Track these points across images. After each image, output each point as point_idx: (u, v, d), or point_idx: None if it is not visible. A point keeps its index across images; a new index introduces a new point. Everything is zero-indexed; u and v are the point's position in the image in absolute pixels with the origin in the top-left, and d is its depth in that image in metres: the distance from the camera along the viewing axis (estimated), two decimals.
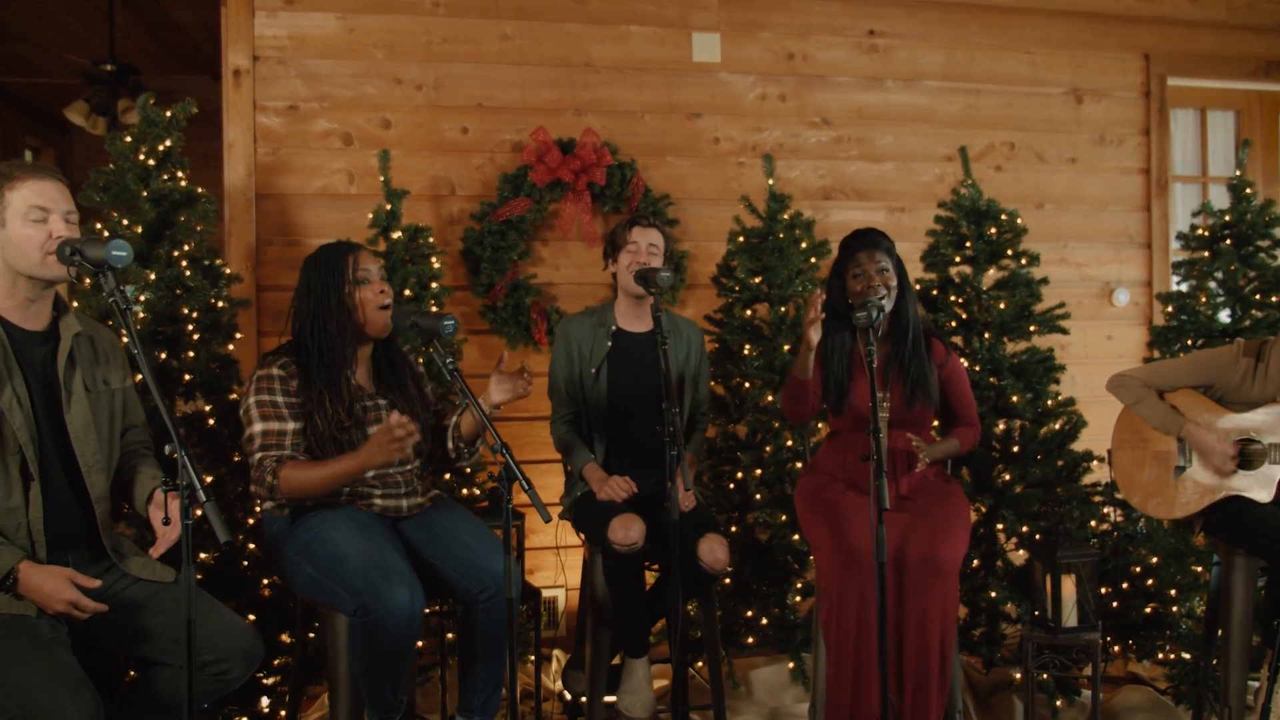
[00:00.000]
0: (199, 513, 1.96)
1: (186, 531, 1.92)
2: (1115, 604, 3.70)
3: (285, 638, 3.26)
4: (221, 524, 1.89)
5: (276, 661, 3.22)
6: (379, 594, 2.45)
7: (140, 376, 3.04)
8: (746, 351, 3.86)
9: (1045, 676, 3.45)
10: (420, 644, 3.59)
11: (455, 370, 2.47)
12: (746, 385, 3.85)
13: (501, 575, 2.61)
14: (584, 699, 3.20)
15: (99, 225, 3.17)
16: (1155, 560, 3.70)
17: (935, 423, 3.35)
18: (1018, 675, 3.55)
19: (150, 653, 2.33)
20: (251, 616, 3.11)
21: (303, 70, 4.03)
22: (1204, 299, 3.82)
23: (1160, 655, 3.70)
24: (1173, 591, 3.66)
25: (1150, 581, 3.70)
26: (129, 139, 3.23)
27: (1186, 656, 3.58)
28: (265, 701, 3.23)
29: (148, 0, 6.18)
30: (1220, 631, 3.15)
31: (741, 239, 3.97)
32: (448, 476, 3.55)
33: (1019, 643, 3.50)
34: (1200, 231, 3.89)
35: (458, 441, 2.91)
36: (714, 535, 3.04)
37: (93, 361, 2.41)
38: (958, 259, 3.87)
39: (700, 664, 3.76)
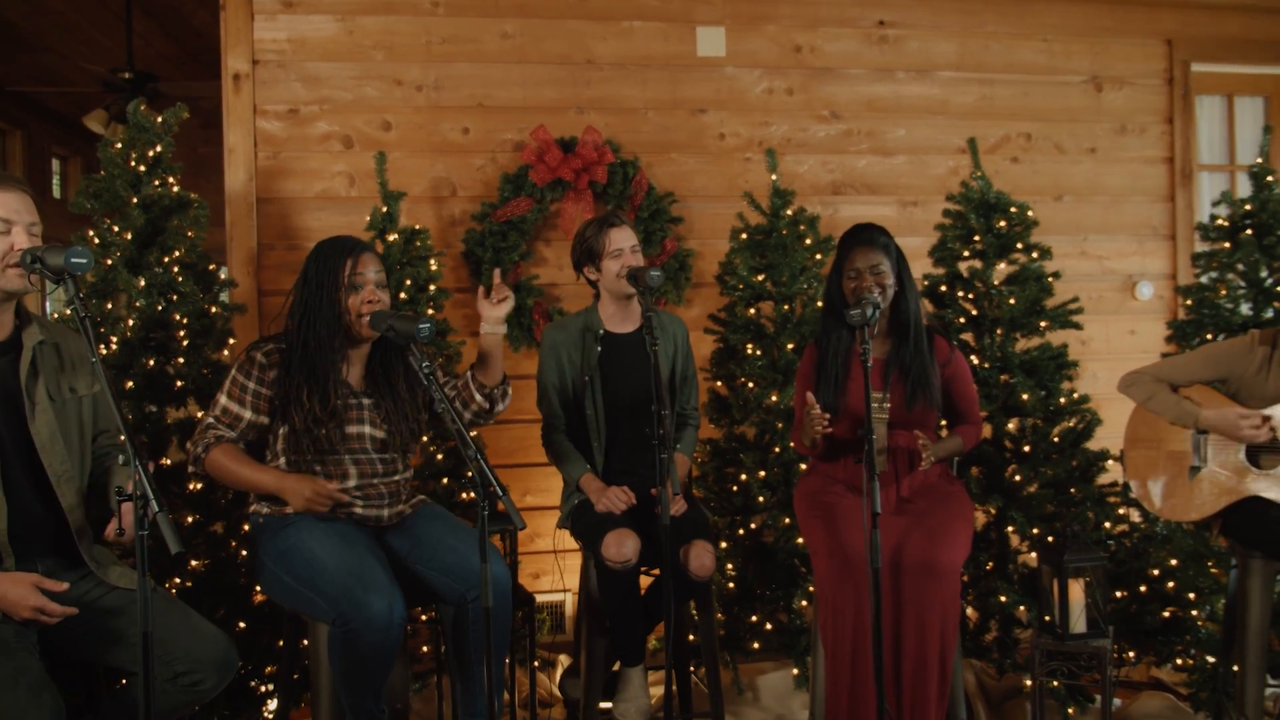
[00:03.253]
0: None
1: (141, 542, 1.89)
2: (1133, 607, 3.58)
3: (281, 644, 3.24)
4: (173, 535, 1.85)
5: (269, 669, 3.21)
6: (357, 603, 2.41)
7: (131, 383, 3.05)
8: (750, 351, 3.79)
9: (1056, 684, 3.34)
10: (425, 649, 3.58)
11: (431, 375, 2.44)
12: (750, 385, 3.78)
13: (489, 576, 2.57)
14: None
15: (90, 232, 3.18)
16: (1174, 563, 3.57)
17: (944, 422, 3.26)
18: (1029, 682, 3.44)
19: (124, 662, 2.31)
20: (243, 624, 3.10)
21: (302, 73, 4.02)
22: (1224, 292, 3.68)
23: (1179, 660, 3.57)
24: (1192, 595, 3.53)
25: (1169, 585, 3.57)
26: (119, 145, 3.23)
27: (1211, 660, 3.45)
28: (269, 708, 3.21)
29: (166, 6, 6.24)
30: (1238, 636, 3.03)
31: (744, 236, 3.89)
32: (445, 481, 3.52)
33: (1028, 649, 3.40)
34: (1220, 222, 3.74)
35: (482, 390, 2.88)
36: (701, 542, 2.98)
37: (58, 369, 2.38)
38: (966, 253, 3.76)
39: (703, 669, 3.69)
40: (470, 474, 3.51)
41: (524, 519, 2.35)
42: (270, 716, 3.24)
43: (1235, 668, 3.07)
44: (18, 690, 2.01)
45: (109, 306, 3.19)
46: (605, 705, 3.11)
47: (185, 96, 3.95)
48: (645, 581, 3.20)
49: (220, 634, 2.37)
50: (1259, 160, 3.70)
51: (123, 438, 1.94)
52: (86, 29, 6.45)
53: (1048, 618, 3.12)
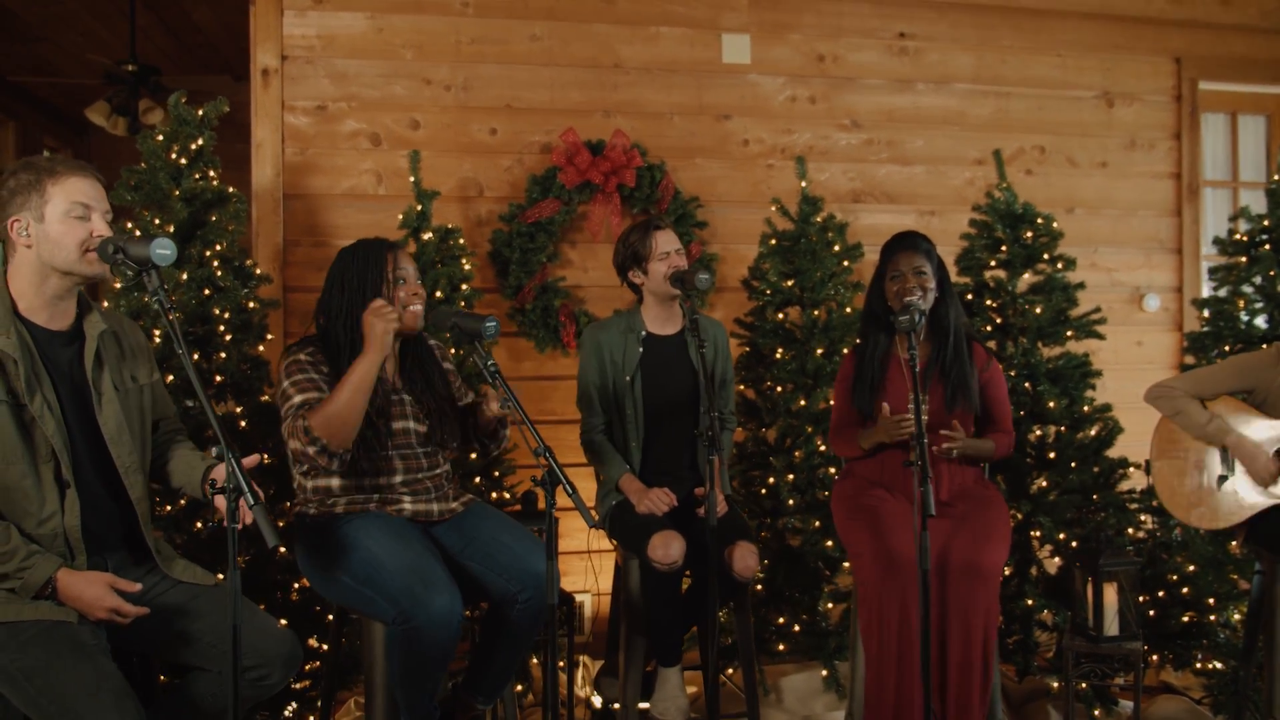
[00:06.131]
0: (249, 520, 1.92)
1: (232, 535, 1.88)
2: (1152, 612, 3.65)
3: (313, 642, 3.23)
4: (270, 528, 1.85)
5: (307, 666, 3.19)
6: (419, 601, 2.41)
7: (172, 376, 3.03)
8: (778, 355, 3.82)
9: (1084, 686, 3.40)
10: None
11: (497, 371, 2.44)
12: (778, 389, 3.81)
13: (541, 576, 2.58)
14: (616, 705, 3.16)
15: (130, 224, 3.14)
16: (1192, 568, 3.65)
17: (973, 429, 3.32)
18: (1055, 684, 3.50)
19: (189, 658, 2.29)
20: (283, 621, 3.08)
21: (331, 70, 4.00)
22: (1241, 304, 3.77)
23: (1197, 665, 3.64)
24: (1210, 600, 3.61)
25: (1186, 590, 3.65)
26: (160, 138, 3.21)
27: (1219, 666, 3.53)
28: (292, 707, 3.19)
29: (168, 1, 6.17)
30: (1262, 641, 3.10)
31: (773, 241, 3.93)
32: (477, 480, 3.52)
33: (1058, 651, 3.46)
34: (1238, 236, 3.84)
35: (481, 438, 2.88)
36: (745, 543, 3.01)
37: (119, 358, 2.35)
38: (992, 263, 3.83)
39: (732, 671, 3.72)
40: (496, 473, 3.60)
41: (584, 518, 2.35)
42: (297, 713, 3.23)
43: (1257, 670, 3.14)
44: (101, 696, 1.98)
45: (146, 299, 3.15)
46: (643, 706, 3.12)
47: (186, 91, 3.92)
48: (683, 583, 3.22)
49: (286, 630, 2.35)
50: (1276, 177, 3.80)
51: (218, 453, 1.94)
52: (87, 20, 6.36)
53: (1078, 620, 3.18)
